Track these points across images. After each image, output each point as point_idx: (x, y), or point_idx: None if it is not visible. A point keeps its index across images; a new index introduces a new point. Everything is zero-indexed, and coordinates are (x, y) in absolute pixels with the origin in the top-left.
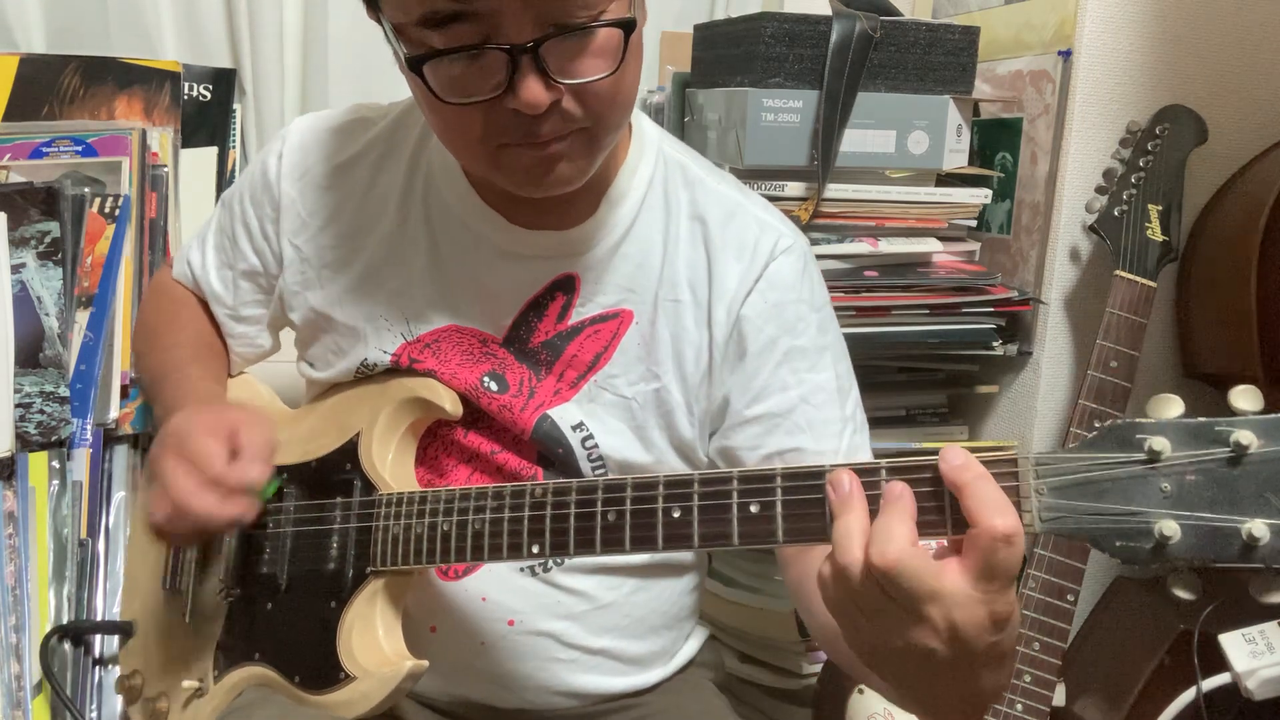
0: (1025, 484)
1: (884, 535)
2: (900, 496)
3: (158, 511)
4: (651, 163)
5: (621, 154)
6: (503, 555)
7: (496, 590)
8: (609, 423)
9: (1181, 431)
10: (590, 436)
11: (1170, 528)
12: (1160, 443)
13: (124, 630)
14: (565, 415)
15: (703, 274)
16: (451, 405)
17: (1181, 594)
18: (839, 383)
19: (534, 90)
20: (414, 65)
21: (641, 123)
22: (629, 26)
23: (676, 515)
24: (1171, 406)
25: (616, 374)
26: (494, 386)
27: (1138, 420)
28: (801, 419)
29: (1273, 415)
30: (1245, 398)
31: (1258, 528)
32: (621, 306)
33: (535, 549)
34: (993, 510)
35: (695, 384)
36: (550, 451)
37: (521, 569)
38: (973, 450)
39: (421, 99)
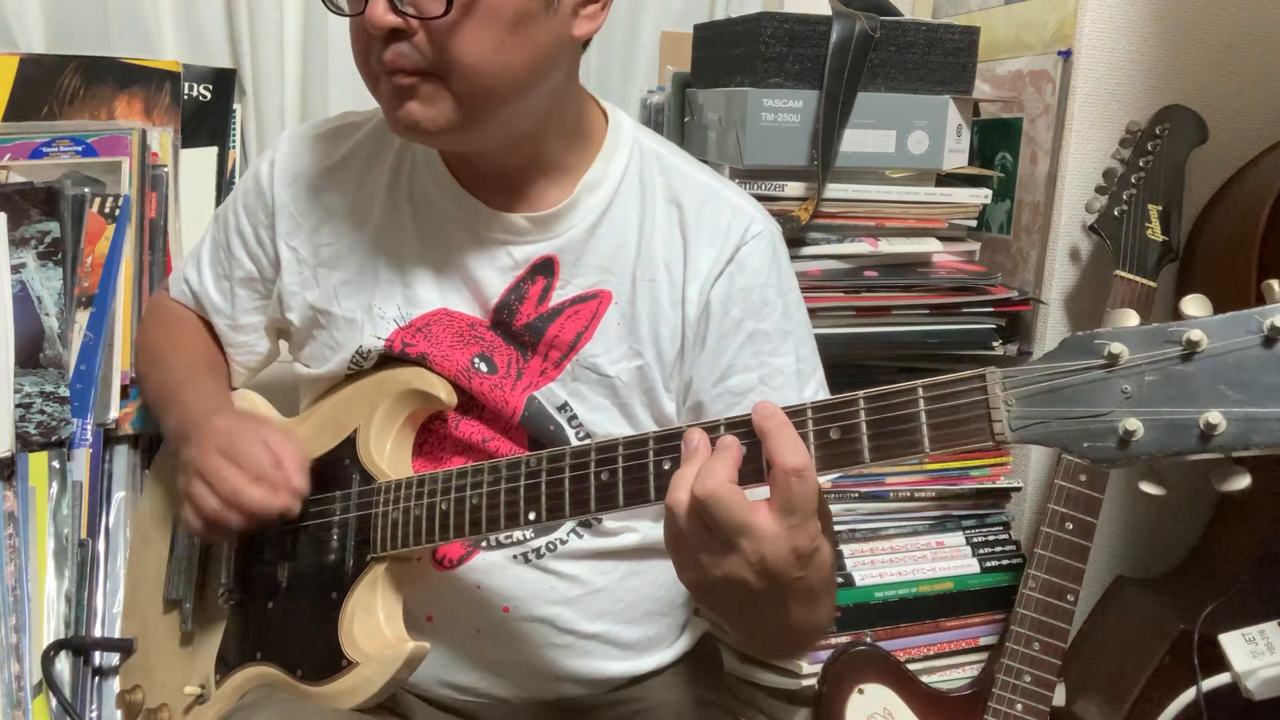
0: (994, 396)
1: (706, 472)
2: (728, 446)
3: (205, 506)
4: (627, 150)
5: (597, 141)
6: (500, 526)
7: (491, 577)
8: (593, 400)
9: (1137, 336)
10: (575, 417)
11: (1133, 424)
12: (1118, 347)
13: (125, 648)
14: (551, 396)
15: (678, 255)
16: (446, 394)
17: (1150, 489)
18: (799, 366)
19: (376, 8)
20: None
21: (617, 115)
22: None
23: (667, 467)
24: (1129, 318)
25: (598, 353)
26: (484, 368)
27: (1096, 330)
28: (758, 399)
29: (1221, 315)
30: (1194, 305)
31: (1214, 416)
32: (600, 287)
33: (532, 515)
34: (786, 450)
35: (670, 361)
36: (542, 432)
37: (515, 556)
38: (942, 380)
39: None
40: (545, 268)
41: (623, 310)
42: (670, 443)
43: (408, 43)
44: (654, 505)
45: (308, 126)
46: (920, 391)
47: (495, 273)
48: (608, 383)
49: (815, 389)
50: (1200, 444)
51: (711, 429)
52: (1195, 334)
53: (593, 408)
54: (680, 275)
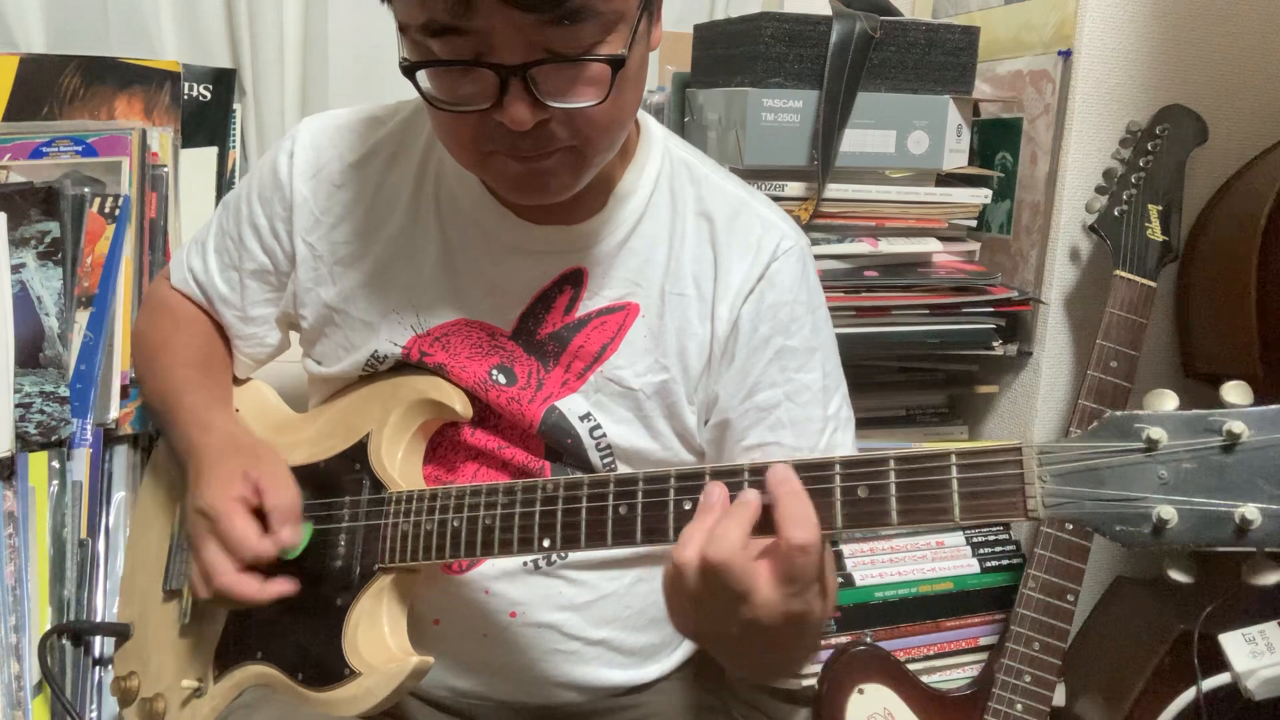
0: (1029, 471)
1: (720, 535)
2: (746, 504)
3: (202, 592)
4: (658, 160)
5: (629, 152)
6: (513, 550)
7: (499, 583)
8: (616, 412)
9: (1177, 422)
10: (598, 426)
11: (1168, 512)
12: (1158, 432)
13: (121, 632)
14: (573, 406)
15: (708, 270)
16: (462, 406)
17: (1178, 577)
18: (825, 382)
19: (519, 110)
20: (407, 70)
21: (648, 122)
22: (616, 64)
23: (688, 507)
24: (1166, 400)
25: (623, 365)
26: (502, 379)
27: (1136, 412)
28: (785, 416)
29: (1263, 407)
30: (1236, 392)
31: (1250, 511)
32: (628, 299)
33: (546, 543)
34: (794, 525)
35: (696, 375)
36: (558, 443)
37: (525, 562)
38: (977, 449)
39: (422, 99)
40: (574, 278)
41: (650, 324)
42: (691, 482)
43: (546, 129)
44: (672, 544)
45: (329, 117)
46: (954, 459)
47: (522, 283)
48: (631, 395)
49: (839, 404)
50: (1234, 538)
51: (734, 475)
52: (1237, 426)
53: (616, 419)
54: (710, 291)
